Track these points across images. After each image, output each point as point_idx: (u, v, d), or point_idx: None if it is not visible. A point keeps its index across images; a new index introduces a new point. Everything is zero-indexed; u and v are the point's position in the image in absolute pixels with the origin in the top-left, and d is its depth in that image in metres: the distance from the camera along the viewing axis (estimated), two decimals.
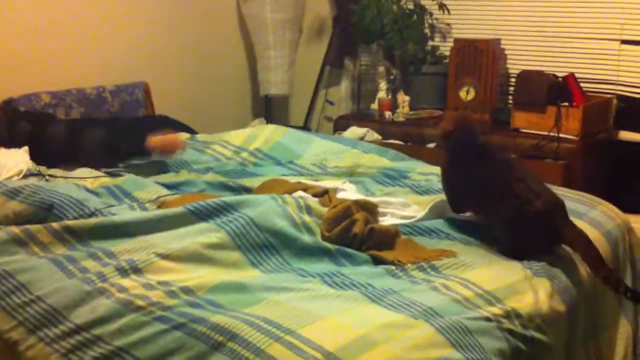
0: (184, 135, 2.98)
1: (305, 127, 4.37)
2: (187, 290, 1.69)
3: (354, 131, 3.83)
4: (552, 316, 1.72)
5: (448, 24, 4.19)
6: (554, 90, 3.46)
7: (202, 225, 1.93)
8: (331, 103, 4.53)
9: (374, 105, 4.16)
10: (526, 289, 1.74)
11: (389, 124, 3.89)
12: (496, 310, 1.64)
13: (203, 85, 4.16)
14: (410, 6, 4.09)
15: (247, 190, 2.43)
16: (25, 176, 2.49)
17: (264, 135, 3.04)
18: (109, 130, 2.76)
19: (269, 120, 4.30)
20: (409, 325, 1.53)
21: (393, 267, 1.84)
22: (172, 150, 2.73)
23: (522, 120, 3.54)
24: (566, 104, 3.44)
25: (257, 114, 4.50)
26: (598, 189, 2.72)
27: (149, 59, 3.83)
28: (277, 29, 4.16)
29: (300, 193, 2.25)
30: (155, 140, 2.69)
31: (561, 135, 3.38)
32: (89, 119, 3.22)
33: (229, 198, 2.05)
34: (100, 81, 3.48)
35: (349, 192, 2.36)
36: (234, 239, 1.87)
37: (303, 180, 2.52)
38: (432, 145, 3.70)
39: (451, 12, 4.05)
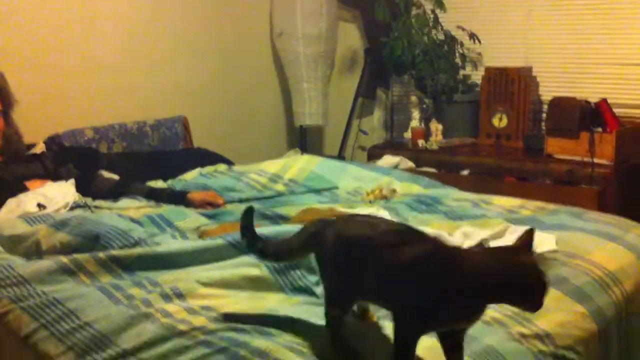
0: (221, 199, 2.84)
1: (340, 157, 4.44)
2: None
3: (388, 160, 3.88)
4: (583, 337, 1.73)
5: (479, 53, 4.24)
6: (587, 116, 3.48)
7: (243, 259, 1.97)
8: (365, 133, 4.59)
9: (407, 134, 4.22)
10: (555, 308, 1.76)
11: (422, 152, 3.94)
12: (526, 330, 1.66)
13: (239, 118, 4.26)
14: (441, 37, 4.16)
15: (284, 218, 2.48)
16: (72, 208, 2.58)
17: (298, 165, 3.11)
18: (151, 189, 2.83)
19: (304, 150, 4.37)
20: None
21: None
22: (213, 205, 2.73)
23: (555, 147, 3.55)
24: (599, 129, 3.45)
25: (292, 145, 4.59)
26: (633, 214, 2.71)
27: (188, 94, 3.95)
28: (310, 63, 4.26)
29: None
30: (195, 197, 2.74)
31: (595, 160, 3.38)
32: (131, 154, 3.34)
33: (268, 230, 2.08)
34: (141, 116, 3.60)
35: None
36: (273, 273, 1.92)
37: (339, 208, 2.57)
38: (465, 172, 3.74)
39: (482, 41, 4.10)
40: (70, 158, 2.97)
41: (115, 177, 2.98)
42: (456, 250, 1.49)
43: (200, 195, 2.76)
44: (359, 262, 1.50)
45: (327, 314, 1.58)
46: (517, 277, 1.37)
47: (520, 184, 3.54)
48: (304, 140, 4.53)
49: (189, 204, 2.70)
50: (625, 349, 2.00)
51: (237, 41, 4.23)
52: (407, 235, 1.51)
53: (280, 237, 2.00)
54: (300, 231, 1.66)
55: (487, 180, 3.58)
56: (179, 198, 2.74)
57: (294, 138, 4.61)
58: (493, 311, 1.72)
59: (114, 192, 2.78)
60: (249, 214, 1.72)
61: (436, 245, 1.49)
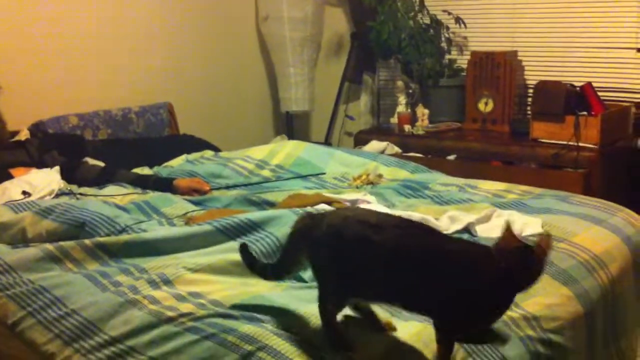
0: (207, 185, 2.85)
1: (327, 143, 4.43)
2: (216, 303, 1.73)
3: (375, 145, 3.88)
4: (569, 319, 1.75)
5: (465, 37, 4.24)
6: (572, 100, 3.49)
7: (230, 244, 1.97)
8: (351, 118, 4.58)
9: (394, 119, 4.21)
10: (542, 291, 1.77)
11: (409, 137, 3.94)
12: (513, 314, 1.67)
13: (225, 104, 4.24)
14: (427, 21, 4.15)
15: (271, 204, 2.48)
16: (57, 195, 2.57)
17: (285, 150, 3.10)
18: (137, 176, 2.83)
19: (291, 136, 4.37)
20: (431, 340, 1.53)
21: None
22: (198, 193, 2.74)
23: (540, 131, 3.57)
24: (584, 113, 3.46)
25: (278, 131, 4.57)
26: (618, 197, 2.73)
27: (173, 80, 3.92)
28: (296, 47, 4.24)
29: (323, 206, 2.30)
30: (181, 184, 2.74)
31: (580, 144, 3.40)
32: (116, 140, 3.32)
33: (255, 215, 2.09)
34: (125, 102, 3.57)
35: (373, 204, 2.41)
36: (261, 258, 1.92)
37: (326, 193, 2.57)
38: (452, 157, 3.74)
39: (467, 25, 4.10)
40: (54, 145, 2.95)
41: (101, 164, 2.96)
42: (484, 247, 1.51)
43: (186, 182, 2.75)
44: (364, 263, 1.47)
45: (321, 307, 1.55)
46: (538, 272, 1.43)
47: (506, 168, 3.55)
48: (291, 126, 4.52)
49: (175, 190, 2.69)
50: (610, 332, 2.02)
51: (223, 26, 4.20)
52: (418, 231, 1.50)
53: (271, 225, 2.02)
54: (290, 233, 1.63)
55: (473, 165, 3.59)
56: (165, 185, 2.73)
57: (281, 124, 4.60)
58: None
59: (100, 180, 2.77)
60: (246, 252, 1.69)
61: (462, 242, 1.52)
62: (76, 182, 2.74)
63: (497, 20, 4.11)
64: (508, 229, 1.45)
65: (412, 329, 1.52)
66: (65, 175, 2.73)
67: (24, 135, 3.03)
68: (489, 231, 2.19)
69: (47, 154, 2.87)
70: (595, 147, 3.39)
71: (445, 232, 2.17)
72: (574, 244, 2.11)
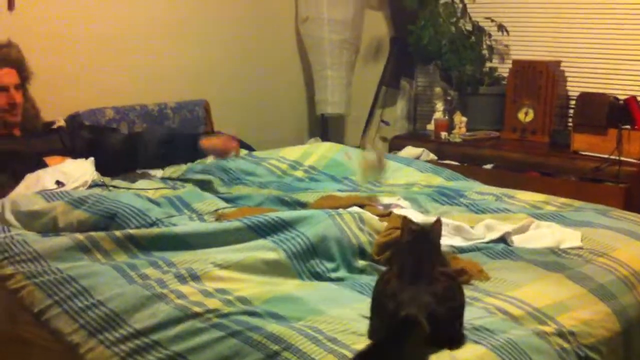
0: (235, 142, 2.90)
1: (361, 147, 4.40)
2: (243, 300, 1.71)
3: (410, 151, 3.83)
4: (606, 335, 1.70)
5: (506, 45, 4.17)
6: (615, 113, 3.42)
7: (260, 242, 1.95)
8: (387, 123, 4.54)
9: (430, 126, 4.16)
10: (579, 306, 1.73)
11: (445, 145, 3.88)
12: (548, 328, 1.63)
13: (261, 105, 4.23)
14: (469, 27, 4.10)
15: (302, 205, 2.45)
16: (90, 187, 2.58)
17: (319, 152, 3.09)
18: (165, 134, 2.85)
19: (325, 139, 4.32)
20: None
21: None
22: (225, 153, 2.75)
23: (581, 143, 3.49)
24: (627, 127, 3.38)
25: (313, 134, 4.54)
26: None
27: (210, 78, 3.93)
28: (334, 50, 4.21)
29: (355, 208, 2.26)
30: (208, 141, 2.74)
31: (622, 158, 3.32)
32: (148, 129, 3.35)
33: (286, 214, 2.06)
34: (162, 98, 3.58)
35: (407, 209, 2.37)
36: (290, 258, 1.90)
37: (359, 196, 2.53)
38: (489, 166, 3.68)
39: (510, 33, 4.03)
40: (85, 130, 2.98)
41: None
42: None
43: (212, 142, 2.78)
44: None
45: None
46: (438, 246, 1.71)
47: (544, 180, 3.48)
48: (325, 129, 4.49)
49: (202, 148, 2.75)
50: None
51: (262, 26, 4.20)
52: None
53: (303, 225, 1.98)
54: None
55: (510, 175, 3.53)
56: (192, 141, 2.78)
57: (316, 126, 4.57)
58: (513, 307, 1.69)
59: (128, 143, 2.77)
60: None
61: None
62: (105, 150, 2.77)
63: (541, 29, 4.03)
64: (405, 219, 1.70)
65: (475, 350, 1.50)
66: (95, 144, 2.77)
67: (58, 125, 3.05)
68: (526, 242, 2.15)
69: (77, 138, 2.89)
70: (638, 162, 3.31)
71: (480, 241, 2.14)
72: (614, 259, 2.06)
